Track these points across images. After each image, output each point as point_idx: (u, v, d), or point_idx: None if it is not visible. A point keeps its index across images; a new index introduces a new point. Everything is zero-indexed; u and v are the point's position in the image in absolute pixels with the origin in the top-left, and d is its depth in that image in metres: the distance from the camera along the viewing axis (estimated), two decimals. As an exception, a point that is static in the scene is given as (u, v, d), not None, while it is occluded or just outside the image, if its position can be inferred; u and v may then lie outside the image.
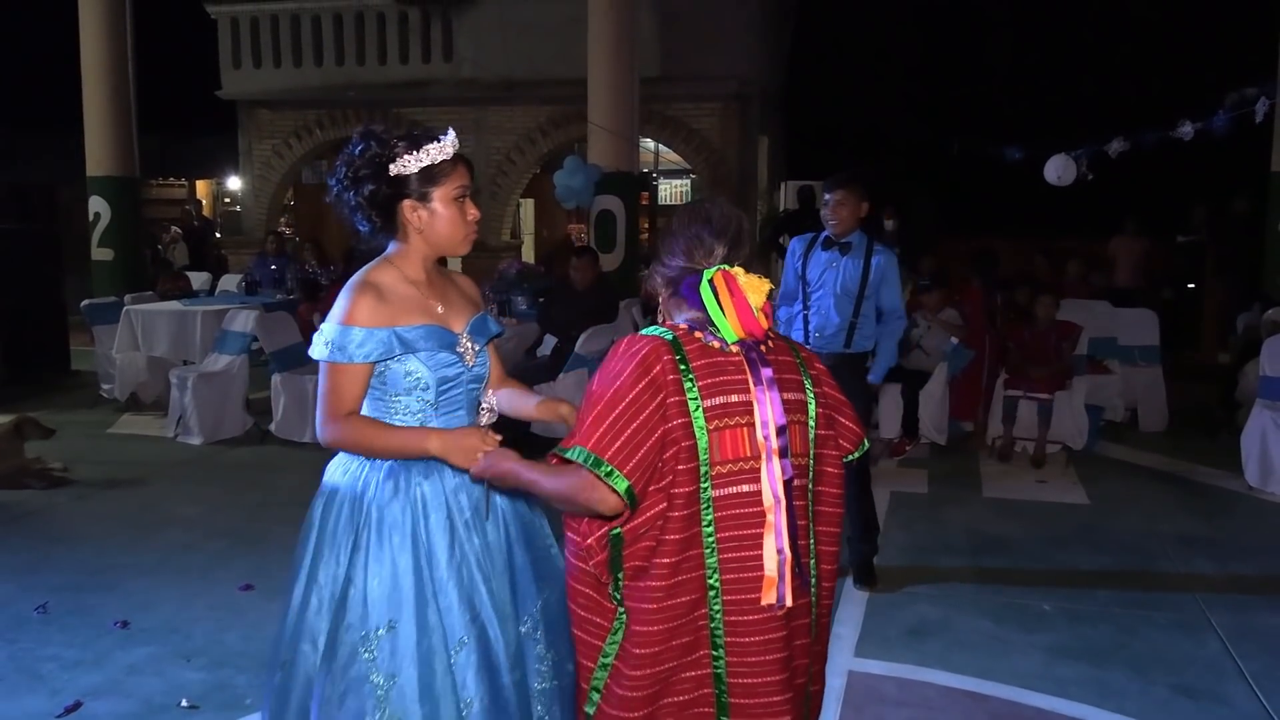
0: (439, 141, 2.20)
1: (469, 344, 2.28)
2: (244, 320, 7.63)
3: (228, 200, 19.28)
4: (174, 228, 16.46)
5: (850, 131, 16.13)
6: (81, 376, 9.60)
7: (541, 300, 8.52)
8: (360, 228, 2.28)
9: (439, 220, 2.24)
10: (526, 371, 6.92)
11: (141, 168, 11.06)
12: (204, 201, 19.44)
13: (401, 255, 2.27)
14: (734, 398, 1.86)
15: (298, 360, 7.42)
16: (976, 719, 3.37)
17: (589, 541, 1.88)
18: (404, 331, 2.17)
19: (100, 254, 10.62)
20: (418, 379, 2.21)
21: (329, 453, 2.27)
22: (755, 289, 1.88)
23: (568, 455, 1.84)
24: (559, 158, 11.17)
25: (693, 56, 12.77)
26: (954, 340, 7.22)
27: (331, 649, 2.16)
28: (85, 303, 9.19)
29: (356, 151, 2.22)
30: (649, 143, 14.41)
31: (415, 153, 2.18)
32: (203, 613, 4.22)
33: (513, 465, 2.03)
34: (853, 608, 4.29)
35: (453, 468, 2.20)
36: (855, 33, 16.45)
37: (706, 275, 1.89)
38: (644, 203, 14.45)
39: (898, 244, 10.23)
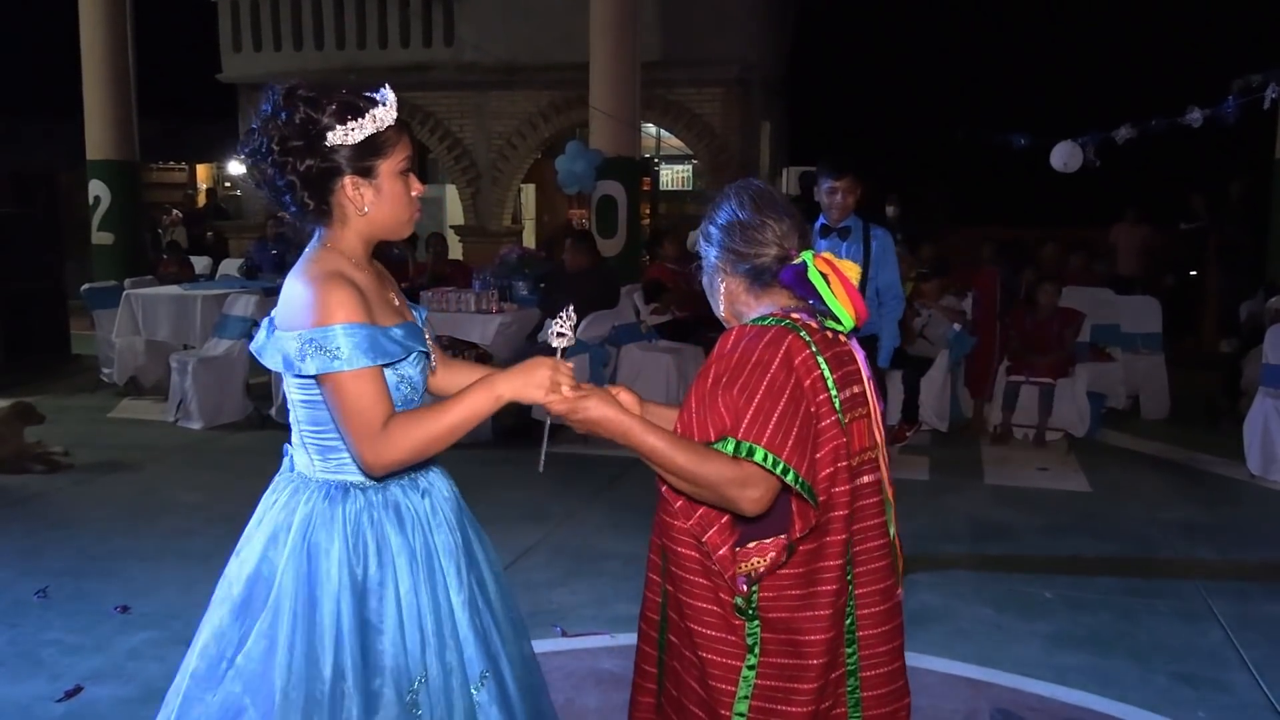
0: (381, 104, 1.84)
1: (429, 339, 1.99)
2: (244, 304, 7.62)
3: (228, 184, 19.22)
4: (175, 211, 16.42)
5: (853, 117, 16.07)
6: (82, 361, 9.59)
7: (542, 285, 8.50)
8: (289, 211, 1.87)
9: (386, 199, 1.86)
10: (524, 357, 6.90)
11: (141, 152, 11.02)
12: (205, 187, 19.41)
13: (340, 241, 1.87)
14: (855, 389, 1.85)
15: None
16: (977, 707, 3.37)
17: (721, 552, 1.76)
18: (392, 332, 1.83)
19: (100, 238, 10.59)
20: (413, 386, 1.91)
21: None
22: (851, 271, 1.86)
23: (725, 448, 1.70)
24: (560, 143, 11.13)
25: (695, 41, 12.71)
26: (956, 327, 7.21)
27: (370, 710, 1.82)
28: (85, 287, 9.18)
29: (283, 118, 1.82)
30: (650, 128, 14.35)
31: (355, 119, 1.81)
32: (203, 598, 4.17)
33: (623, 418, 1.75)
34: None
35: (443, 478, 1.99)
36: (858, 17, 16.36)
37: (807, 261, 1.83)
38: (645, 188, 14.40)
39: (900, 231, 10.20)
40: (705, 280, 2.00)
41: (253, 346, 1.93)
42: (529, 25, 13.07)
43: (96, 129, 10.48)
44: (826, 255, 1.87)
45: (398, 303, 1.95)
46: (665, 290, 8.36)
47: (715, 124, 13.35)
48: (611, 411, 1.75)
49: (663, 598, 1.92)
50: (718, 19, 12.77)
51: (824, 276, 1.82)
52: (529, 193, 16.33)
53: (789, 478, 1.69)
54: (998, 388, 6.99)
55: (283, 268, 10.75)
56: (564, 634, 3.85)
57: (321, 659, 1.80)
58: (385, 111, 1.84)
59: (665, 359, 7.24)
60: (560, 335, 1.89)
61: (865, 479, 1.85)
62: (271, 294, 8.14)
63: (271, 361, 1.84)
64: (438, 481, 2.02)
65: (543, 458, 1.90)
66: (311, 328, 1.75)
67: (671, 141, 15.12)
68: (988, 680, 3.55)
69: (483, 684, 1.91)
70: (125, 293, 8.56)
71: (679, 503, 1.80)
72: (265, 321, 1.92)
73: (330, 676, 1.80)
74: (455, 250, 12.82)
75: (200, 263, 11.73)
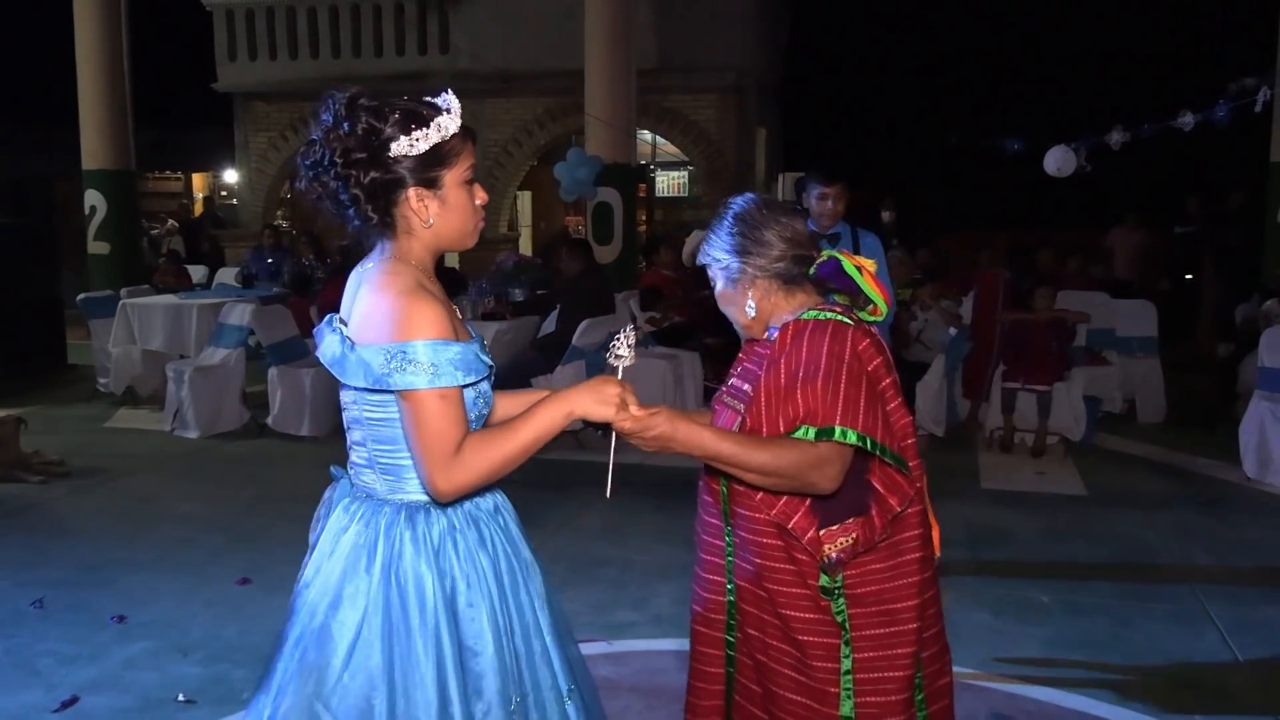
0: (446, 112, 1.79)
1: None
2: (240, 313, 7.61)
3: (224, 193, 19.23)
4: (170, 220, 16.43)
5: (848, 123, 16.11)
6: (78, 370, 9.57)
7: (539, 292, 8.56)
8: (351, 224, 1.81)
9: (452, 210, 1.81)
10: (525, 364, 6.91)
11: (137, 161, 11.03)
12: (201, 196, 19.41)
13: (409, 254, 1.81)
14: (894, 374, 1.96)
15: (295, 354, 7.41)
16: (974, 711, 3.37)
17: (810, 535, 1.86)
18: (472, 347, 1.77)
19: (96, 247, 10.59)
20: (488, 400, 1.86)
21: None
22: (870, 264, 2.02)
23: (806, 435, 1.81)
24: (556, 150, 11.15)
25: (690, 48, 12.74)
26: (952, 331, 7.21)
27: None
28: (81, 296, 9.17)
29: (345, 129, 1.75)
30: (646, 134, 14.37)
31: (420, 128, 1.75)
32: (200, 607, 4.21)
33: (691, 430, 1.79)
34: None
35: (503, 494, 1.95)
36: (853, 23, 16.41)
37: (839, 257, 2.01)
38: (642, 195, 14.43)
39: (895, 236, 10.22)
40: (725, 289, 2.05)
41: (325, 359, 1.83)
42: (524, 33, 13.10)
43: (92, 138, 10.48)
44: (846, 252, 2.03)
45: (460, 316, 1.90)
46: (662, 296, 8.37)
47: (711, 130, 13.38)
48: (681, 426, 1.79)
49: (729, 595, 1.99)
50: (713, 25, 12.80)
51: (858, 269, 1.99)
52: (525, 199, 16.36)
53: (886, 456, 1.83)
54: (994, 393, 6.99)
55: (278, 276, 10.84)
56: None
57: (425, 690, 1.74)
58: (450, 119, 1.80)
59: (662, 365, 7.24)
60: (619, 356, 1.89)
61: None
62: (268, 302, 8.15)
63: (352, 376, 1.77)
64: (501, 498, 1.98)
65: (610, 481, 1.88)
66: (399, 341, 1.69)
67: (667, 148, 15.15)
68: (985, 685, 3.55)
69: (569, 699, 1.89)
70: (121, 302, 8.56)
71: (759, 496, 1.89)
72: (333, 336, 1.83)
73: (437, 705, 1.74)
74: (451, 257, 12.83)
75: (196, 272, 11.73)
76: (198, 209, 18.58)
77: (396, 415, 1.77)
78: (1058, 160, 8.06)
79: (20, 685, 3.53)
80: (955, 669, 3.64)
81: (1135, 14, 15.63)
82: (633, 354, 1.90)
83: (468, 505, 1.87)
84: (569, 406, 1.78)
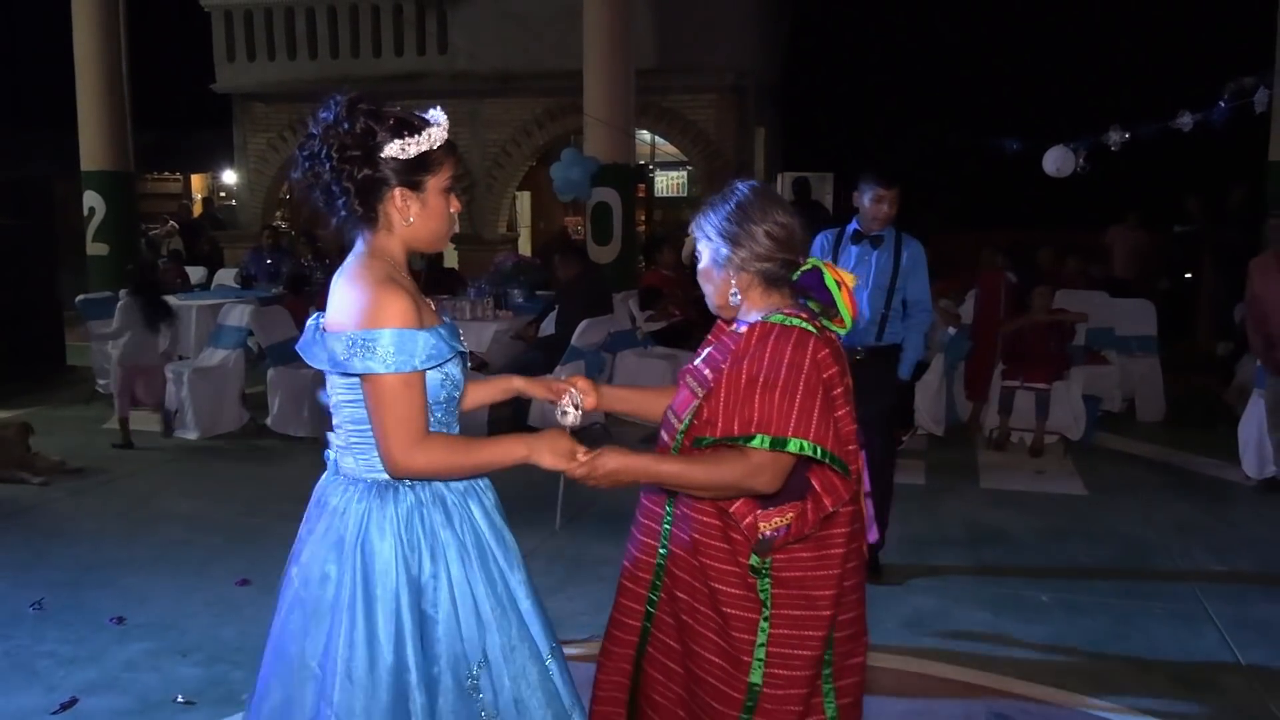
0: (436, 124, 1.97)
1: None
2: (239, 314, 7.61)
3: (223, 194, 19.22)
4: (170, 221, 16.42)
5: (847, 123, 16.11)
6: (77, 372, 9.57)
7: (538, 293, 8.58)
8: (335, 215, 1.98)
9: (430, 213, 1.98)
10: (525, 364, 6.91)
11: (136, 162, 11.02)
12: (200, 197, 19.41)
13: (385, 249, 1.98)
14: (848, 379, 2.08)
15: (294, 354, 7.40)
16: (974, 710, 3.37)
17: (747, 520, 1.98)
18: (439, 330, 1.92)
19: (95, 249, 10.58)
20: (455, 384, 2.01)
21: (326, 447, 2.14)
22: (850, 279, 2.13)
23: (760, 444, 1.91)
24: (555, 150, 11.14)
25: (689, 48, 12.73)
26: (951, 330, 7.21)
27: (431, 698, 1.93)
28: (80, 298, 9.16)
29: (344, 127, 1.92)
30: (645, 135, 14.37)
31: (412, 135, 1.92)
32: (199, 608, 4.21)
33: (633, 461, 1.98)
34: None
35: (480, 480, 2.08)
36: (852, 24, 16.41)
37: (821, 268, 2.11)
38: (641, 195, 14.43)
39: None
40: (708, 268, 2.14)
41: (298, 346, 2.01)
42: (522, 33, 13.09)
43: (91, 139, 10.47)
44: (829, 263, 2.14)
45: (433, 307, 2.05)
46: (661, 297, 8.38)
47: (710, 130, 13.37)
48: (624, 460, 1.97)
49: (660, 560, 2.15)
50: (712, 26, 12.80)
51: (837, 284, 2.10)
52: (524, 200, 16.35)
53: (829, 460, 1.95)
54: (993, 392, 7.00)
55: (277, 277, 10.84)
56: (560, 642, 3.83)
57: (383, 656, 1.90)
58: (439, 132, 1.96)
59: (661, 365, 7.25)
60: (565, 414, 2.12)
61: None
62: (267, 303, 8.15)
63: (317, 360, 1.93)
64: (483, 481, 2.11)
65: (559, 518, 2.11)
66: (360, 329, 1.85)
67: (666, 148, 15.14)
68: (984, 683, 3.56)
69: (553, 657, 2.05)
70: (120, 303, 8.54)
71: None
72: (312, 324, 2.02)
73: (393, 669, 1.90)
74: (450, 258, 12.83)
75: (195, 273, 11.72)
76: (196, 209, 18.56)
77: (360, 397, 1.93)
78: (1056, 160, 8.06)
79: (19, 687, 3.53)
80: (955, 667, 3.67)
81: (1134, 14, 15.64)
82: (578, 415, 2.13)
83: (436, 484, 2.01)
84: (526, 451, 1.96)
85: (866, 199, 4.46)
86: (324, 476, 2.11)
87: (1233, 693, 3.53)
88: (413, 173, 1.94)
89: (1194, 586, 4.45)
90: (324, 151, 1.92)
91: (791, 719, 2.02)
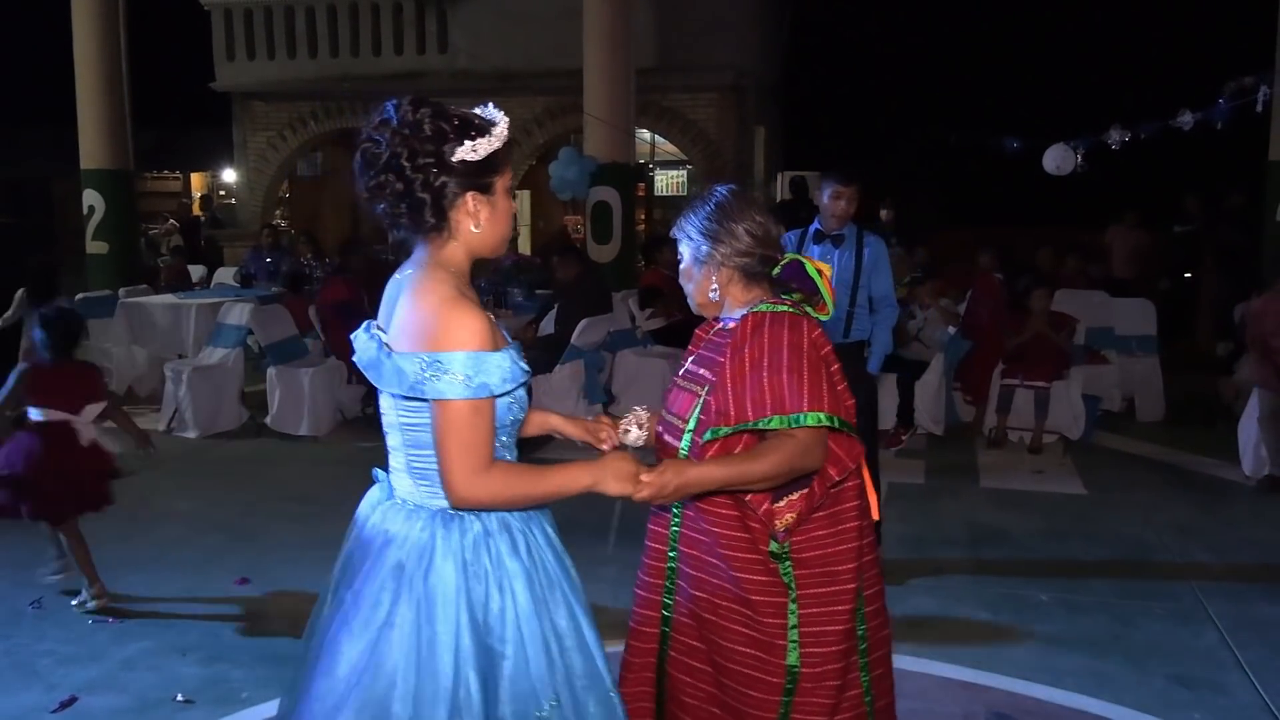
0: (499, 122, 1.85)
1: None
2: (239, 313, 7.61)
3: (223, 193, 19.22)
4: (170, 220, 16.42)
5: (847, 122, 16.11)
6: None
7: (537, 292, 8.58)
8: (405, 225, 1.84)
9: (498, 216, 1.88)
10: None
11: (136, 161, 11.01)
12: (199, 195, 19.39)
13: (451, 260, 1.85)
14: (839, 363, 2.14)
15: (293, 353, 7.40)
16: (973, 710, 3.37)
17: (764, 507, 2.03)
18: (510, 353, 1.79)
19: (95, 247, 10.58)
20: (522, 406, 1.90)
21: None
22: (828, 270, 2.23)
23: (774, 424, 1.97)
24: (555, 149, 11.13)
25: (689, 47, 12.72)
26: (951, 330, 7.21)
27: None
28: (80, 296, 9.15)
29: (411, 132, 1.79)
30: (645, 134, 14.36)
31: (481, 136, 1.81)
32: (198, 607, 4.20)
33: (695, 471, 1.98)
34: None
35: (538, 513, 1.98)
36: (852, 22, 16.40)
37: (801, 260, 2.21)
38: (640, 194, 14.42)
39: (894, 235, 10.22)
40: (689, 266, 2.22)
41: (361, 363, 1.87)
42: (523, 32, 13.09)
43: (91, 138, 10.46)
44: (806, 256, 2.26)
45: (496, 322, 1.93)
46: (661, 296, 8.37)
47: (710, 129, 13.37)
48: (687, 473, 1.97)
49: (670, 563, 2.20)
50: (712, 25, 12.79)
51: (818, 273, 2.20)
52: (524, 199, 16.34)
53: (844, 427, 2.02)
54: (992, 391, 6.99)
55: (277, 276, 10.83)
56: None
57: (440, 687, 1.78)
58: (502, 129, 1.85)
59: (660, 364, 7.24)
60: (627, 432, 2.18)
61: None
62: (267, 302, 8.15)
63: (386, 383, 1.80)
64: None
65: (613, 537, 2.16)
66: (437, 351, 1.73)
67: (666, 147, 15.14)
68: (984, 683, 3.55)
69: (614, 689, 1.96)
70: (120, 302, 8.55)
71: None
72: (370, 341, 1.85)
73: (448, 704, 1.78)
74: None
75: (195, 271, 11.72)
76: (195, 208, 18.55)
77: (425, 421, 1.80)
78: (1056, 159, 8.07)
79: (19, 685, 3.53)
80: (955, 667, 3.67)
81: (1134, 13, 15.63)
82: (641, 435, 2.16)
83: (501, 512, 1.90)
84: (592, 480, 1.87)
85: (826, 196, 4.55)
86: (375, 496, 1.99)
87: (1232, 692, 3.53)
88: (482, 175, 1.84)
89: (1193, 586, 4.45)
90: (394, 159, 1.79)
91: (830, 694, 2.07)
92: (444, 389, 1.71)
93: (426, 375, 1.72)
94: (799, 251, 4.59)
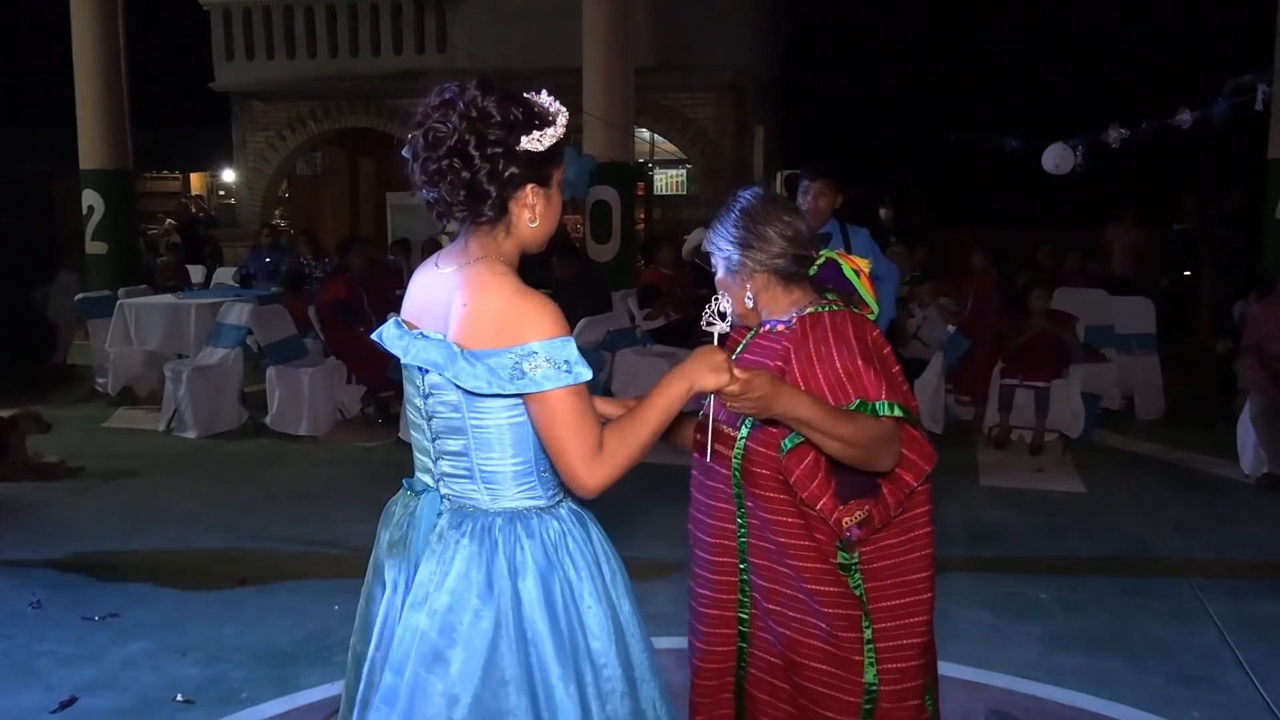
0: (561, 111, 1.77)
1: None
2: (238, 313, 7.61)
3: (222, 193, 19.20)
4: (168, 220, 16.40)
5: (846, 121, 16.10)
6: (76, 370, 9.57)
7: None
8: (458, 212, 1.74)
9: (551, 210, 1.80)
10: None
11: (135, 161, 11.01)
12: (205, 196, 19.37)
13: (504, 253, 1.77)
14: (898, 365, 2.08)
15: (293, 353, 7.40)
16: (973, 708, 3.37)
17: (823, 502, 1.95)
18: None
19: (94, 248, 10.58)
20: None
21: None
22: (865, 264, 2.18)
23: (866, 410, 1.89)
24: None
25: (688, 46, 12.73)
26: (950, 329, 7.21)
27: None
28: (79, 296, 9.16)
29: (480, 118, 1.69)
30: (644, 133, 14.36)
31: (545, 126, 1.73)
32: (198, 607, 4.20)
33: (786, 392, 1.83)
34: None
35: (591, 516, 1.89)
36: (851, 21, 16.39)
37: (837, 260, 2.16)
38: (640, 193, 14.41)
39: (894, 234, 10.22)
40: (724, 277, 2.12)
41: (422, 363, 1.74)
42: (521, 31, 13.09)
43: (90, 138, 10.46)
44: (843, 253, 2.17)
45: None
46: (660, 295, 8.37)
47: (709, 129, 13.37)
48: (783, 389, 1.83)
49: (742, 575, 2.09)
50: (711, 24, 12.80)
51: (856, 272, 2.15)
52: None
53: (914, 423, 1.97)
54: (992, 390, 6.99)
55: (276, 276, 10.82)
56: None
57: (565, 694, 1.73)
58: (564, 121, 1.77)
59: (660, 364, 7.24)
60: (711, 324, 1.90)
61: None
62: (266, 302, 8.14)
63: (473, 383, 1.67)
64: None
65: (710, 447, 1.94)
66: (525, 343, 1.64)
67: (665, 146, 15.14)
68: (983, 681, 3.55)
69: (665, 690, 1.91)
70: (119, 302, 8.55)
71: (794, 476, 1.96)
72: (426, 343, 1.74)
73: (578, 709, 1.73)
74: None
75: (195, 271, 11.72)
76: (194, 207, 18.51)
77: (501, 421, 1.72)
78: (1055, 158, 8.07)
79: (18, 685, 3.53)
80: (954, 665, 3.66)
81: (1133, 12, 15.62)
82: (727, 321, 1.90)
83: (570, 503, 1.85)
84: (688, 382, 1.75)
85: (799, 195, 4.51)
86: (421, 507, 1.83)
87: (1231, 689, 3.53)
88: (544, 166, 1.75)
89: (1193, 584, 4.45)
90: (463, 144, 1.69)
91: (912, 713, 2.00)
92: (545, 380, 1.63)
93: (527, 369, 1.63)
94: None
